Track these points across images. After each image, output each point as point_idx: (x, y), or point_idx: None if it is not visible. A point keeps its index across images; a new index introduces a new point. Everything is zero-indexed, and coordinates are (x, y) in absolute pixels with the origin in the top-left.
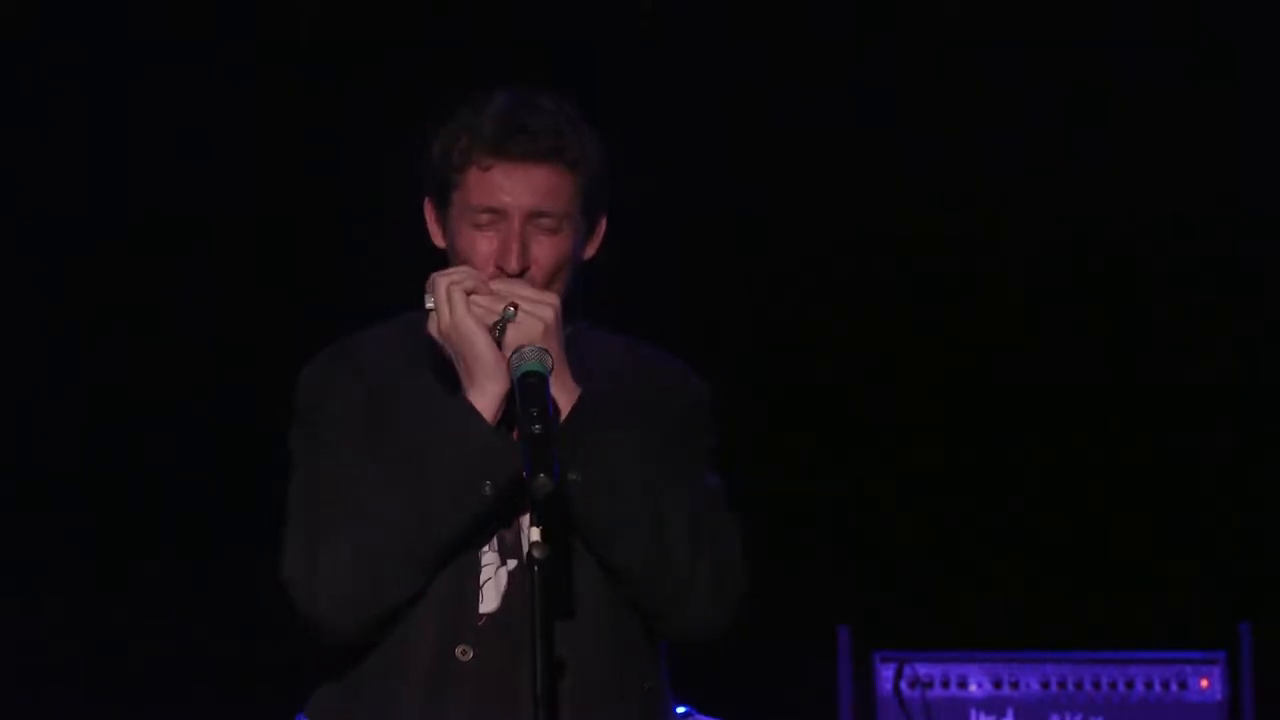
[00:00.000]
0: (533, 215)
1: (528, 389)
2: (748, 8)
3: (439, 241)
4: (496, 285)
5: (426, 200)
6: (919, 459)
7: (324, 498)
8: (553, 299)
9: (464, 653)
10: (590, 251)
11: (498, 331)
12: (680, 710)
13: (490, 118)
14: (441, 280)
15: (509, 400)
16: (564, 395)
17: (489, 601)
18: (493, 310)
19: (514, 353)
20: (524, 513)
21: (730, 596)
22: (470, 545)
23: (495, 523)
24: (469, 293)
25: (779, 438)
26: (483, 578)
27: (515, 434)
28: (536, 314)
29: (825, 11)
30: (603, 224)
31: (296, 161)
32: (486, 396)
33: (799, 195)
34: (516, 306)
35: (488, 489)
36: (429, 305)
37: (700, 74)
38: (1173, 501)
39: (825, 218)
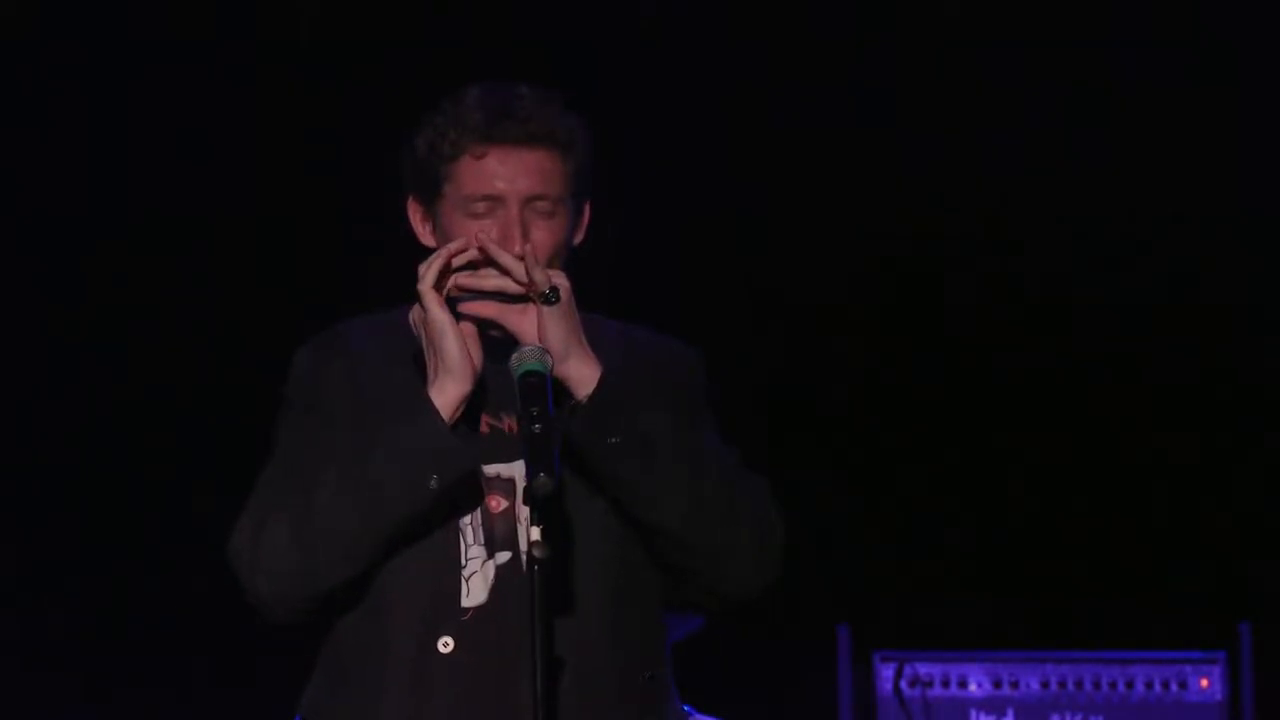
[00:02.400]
0: (529, 199)
1: (528, 389)
2: (748, 8)
3: (426, 240)
4: (508, 259)
5: (410, 199)
6: (919, 459)
7: (279, 477)
8: (564, 276)
9: (445, 645)
10: (578, 238)
11: (542, 303)
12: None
13: (478, 106)
14: (427, 272)
15: (472, 398)
16: (589, 368)
17: (476, 595)
18: (513, 285)
19: (513, 354)
20: (514, 504)
21: (773, 549)
22: (437, 536)
23: (463, 514)
24: (471, 263)
25: (778, 437)
26: (468, 571)
27: (486, 427)
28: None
29: (825, 11)
30: (588, 210)
31: (296, 161)
32: (445, 394)
33: (799, 195)
34: (556, 289)
35: (433, 484)
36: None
37: (700, 74)
38: (1173, 501)
39: (825, 217)
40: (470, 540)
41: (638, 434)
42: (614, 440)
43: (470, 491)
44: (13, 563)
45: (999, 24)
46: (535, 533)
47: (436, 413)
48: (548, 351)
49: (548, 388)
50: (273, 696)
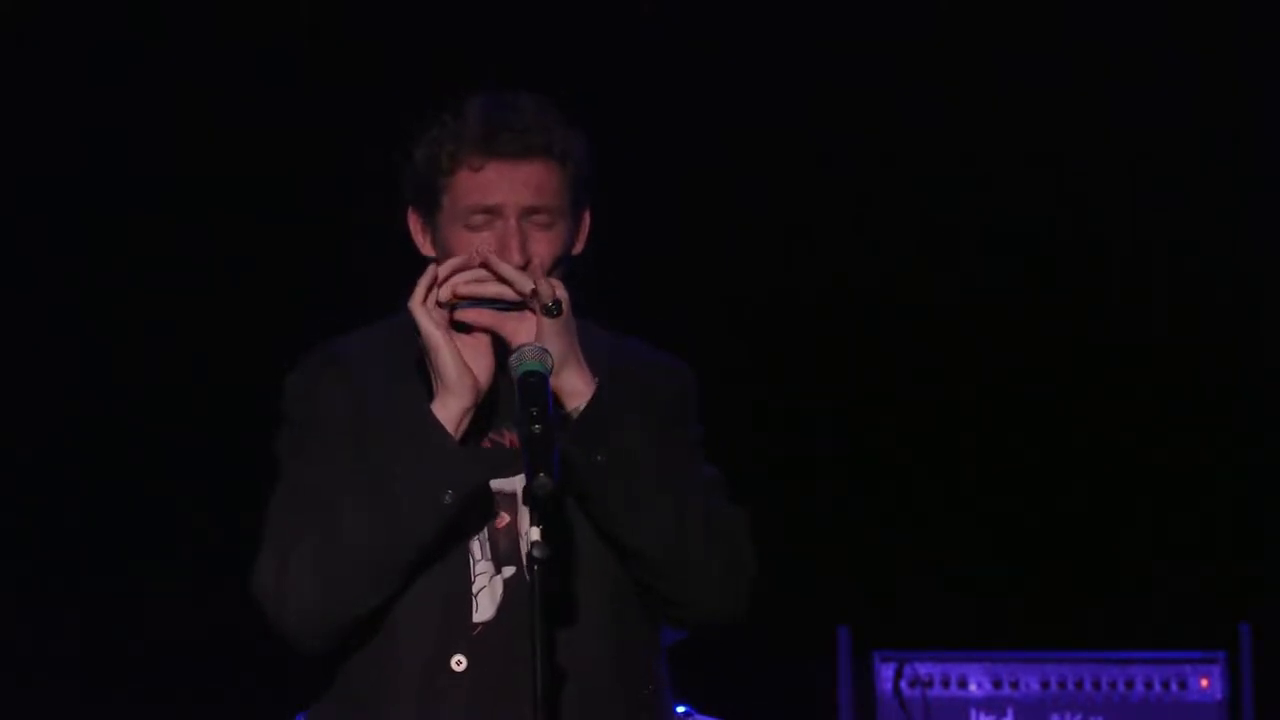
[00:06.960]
0: (527, 211)
1: (528, 388)
2: (748, 8)
3: (426, 250)
4: (510, 270)
5: (410, 210)
6: (918, 459)
7: (295, 507)
8: (561, 286)
9: (459, 663)
10: (578, 247)
11: (545, 315)
12: (680, 710)
13: (475, 119)
14: (416, 289)
15: (478, 410)
16: (583, 382)
17: (484, 610)
18: (511, 292)
19: (514, 352)
20: (515, 518)
21: (744, 580)
22: (448, 553)
23: (474, 529)
24: (462, 281)
25: (779, 438)
26: (476, 587)
27: (488, 442)
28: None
29: (826, 11)
30: (588, 219)
31: (296, 160)
32: (448, 409)
33: (797, 195)
34: (559, 302)
35: (448, 498)
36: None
37: (700, 74)
38: (1172, 501)
39: (825, 218)
40: (478, 556)
41: (623, 455)
42: (599, 458)
43: (482, 506)
44: (13, 562)
45: (999, 24)
46: (535, 533)
47: (442, 428)
48: (548, 351)
49: (547, 387)
50: (273, 702)
